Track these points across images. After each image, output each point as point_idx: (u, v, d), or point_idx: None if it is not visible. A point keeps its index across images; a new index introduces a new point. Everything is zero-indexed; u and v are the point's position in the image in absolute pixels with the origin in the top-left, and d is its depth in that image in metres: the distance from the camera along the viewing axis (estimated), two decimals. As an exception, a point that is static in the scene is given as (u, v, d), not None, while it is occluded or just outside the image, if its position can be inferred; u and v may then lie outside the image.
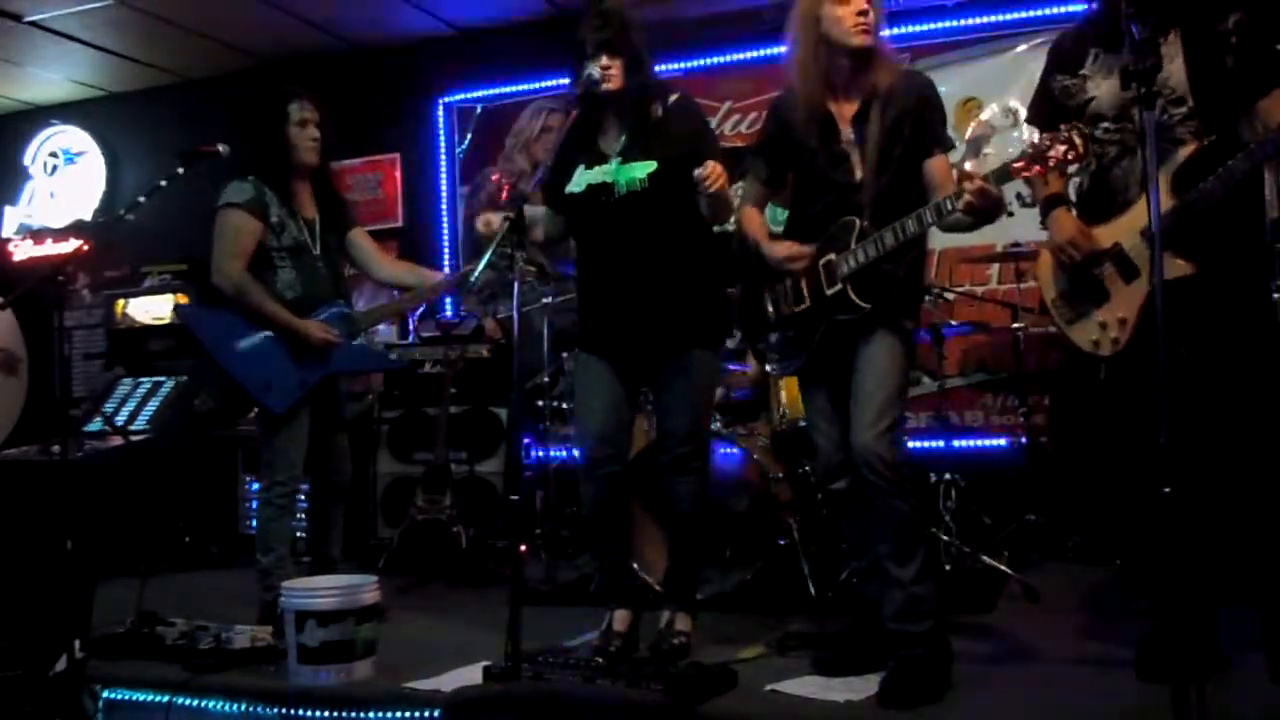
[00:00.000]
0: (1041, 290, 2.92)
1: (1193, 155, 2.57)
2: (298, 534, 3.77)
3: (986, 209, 2.52)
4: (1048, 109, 2.87)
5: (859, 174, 2.75)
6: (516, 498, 3.86)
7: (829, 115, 2.79)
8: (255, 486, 5.33)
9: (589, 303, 3.20)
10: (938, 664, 2.64)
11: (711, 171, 2.83)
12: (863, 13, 2.68)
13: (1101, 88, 2.72)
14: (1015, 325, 4.35)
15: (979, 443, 4.96)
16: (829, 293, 2.75)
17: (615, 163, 3.06)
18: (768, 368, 3.09)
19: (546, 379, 4.70)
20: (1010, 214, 5.00)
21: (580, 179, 3.10)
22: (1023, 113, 5.03)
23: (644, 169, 3.01)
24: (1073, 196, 2.92)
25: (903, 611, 2.65)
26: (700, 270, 3.10)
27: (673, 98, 3.13)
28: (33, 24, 5.81)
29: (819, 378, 2.89)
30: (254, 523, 5.20)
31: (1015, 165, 2.46)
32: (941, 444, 4.43)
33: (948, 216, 2.57)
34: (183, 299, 5.72)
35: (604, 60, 2.98)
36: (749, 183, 3.09)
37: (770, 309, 2.94)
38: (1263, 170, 2.53)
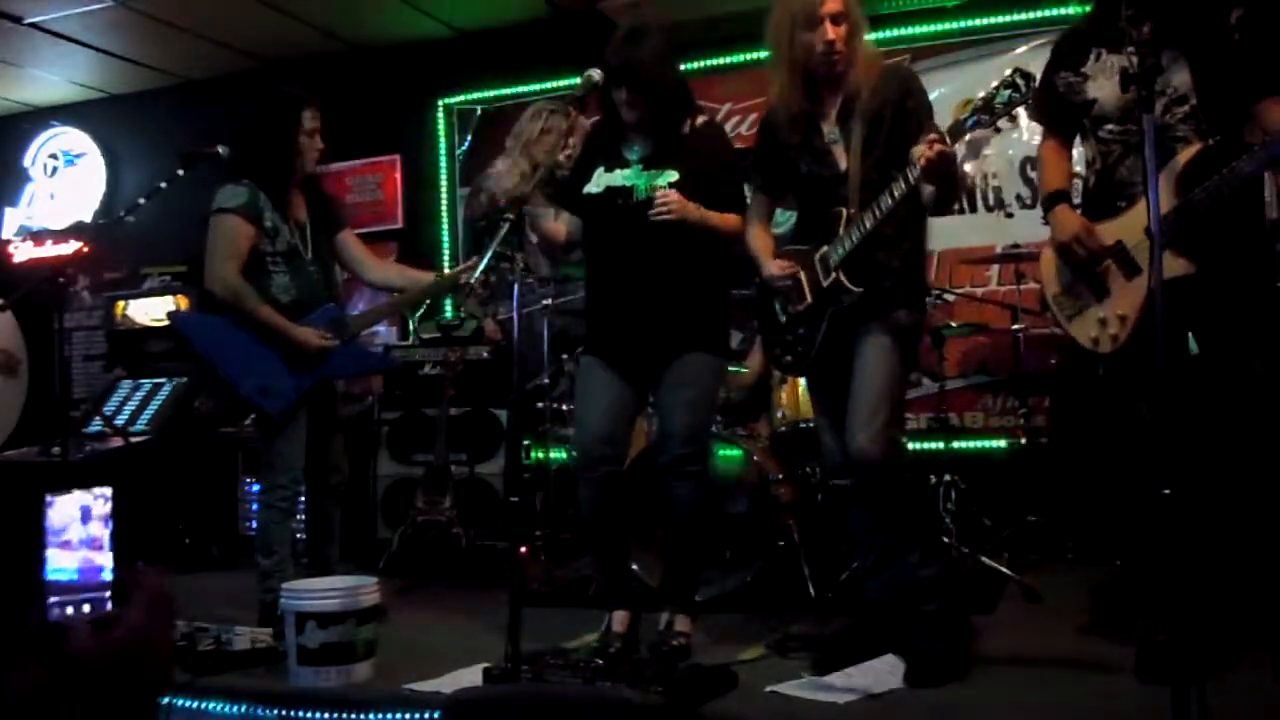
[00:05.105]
0: (1043, 287, 2.92)
1: (1197, 155, 2.57)
2: (297, 535, 3.77)
3: (945, 168, 2.55)
4: (1050, 105, 2.88)
5: (844, 164, 2.79)
6: (517, 499, 3.85)
7: (810, 116, 2.85)
8: (255, 488, 5.36)
9: (597, 306, 3.21)
10: (954, 643, 2.69)
11: (667, 196, 2.91)
12: (829, 43, 2.73)
13: (1104, 89, 2.71)
14: (1015, 326, 4.35)
15: (979, 444, 4.96)
16: (825, 284, 2.79)
17: (637, 168, 3.09)
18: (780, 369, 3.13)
19: (546, 380, 4.70)
20: (1010, 215, 5.02)
21: (599, 180, 3.12)
22: (1022, 114, 5.02)
23: (666, 178, 3.03)
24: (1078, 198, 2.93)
25: (911, 594, 2.69)
26: (706, 275, 3.11)
27: (701, 119, 3.17)
28: (33, 25, 5.81)
29: (823, 377, 2.93)
30: (254, 524, 5.24)
31: (967, 118, 2.53)
32: (941, 445, 4.43)
33: (914, 184, 2.60)
34: (183, 301, 5.72)
35: (625, 95, 3.00)
36: (753, 198, 3.14)
37: (780, 311, 2.97)
38: (1262, 173, 2.53)
